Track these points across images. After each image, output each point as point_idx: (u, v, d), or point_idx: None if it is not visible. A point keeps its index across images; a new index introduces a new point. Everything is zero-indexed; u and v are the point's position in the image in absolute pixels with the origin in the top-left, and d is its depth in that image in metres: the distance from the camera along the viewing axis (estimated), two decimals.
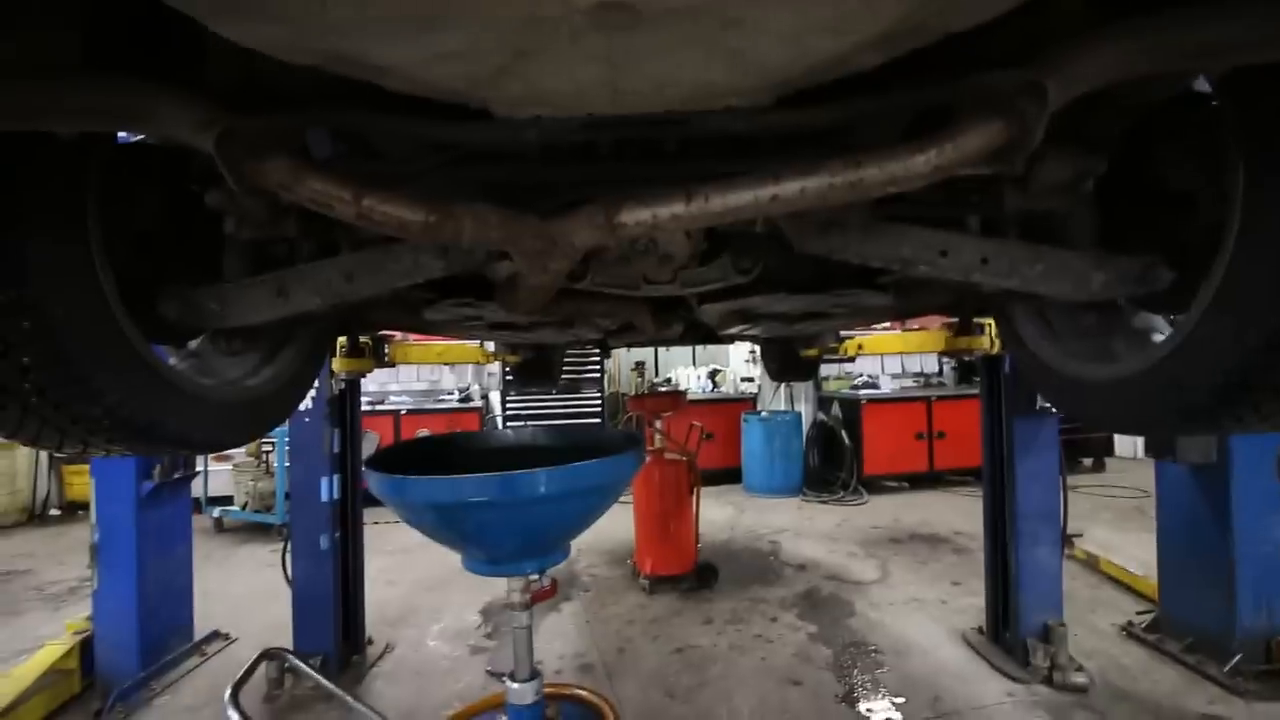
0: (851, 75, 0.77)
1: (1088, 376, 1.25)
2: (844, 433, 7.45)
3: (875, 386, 7.98)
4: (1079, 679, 3.24)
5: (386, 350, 3.59)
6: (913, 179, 0.77)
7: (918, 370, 8.59)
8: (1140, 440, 8.83)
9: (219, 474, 6.66)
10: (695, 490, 4.72)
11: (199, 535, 4.55)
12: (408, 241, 1.08)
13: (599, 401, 7.68)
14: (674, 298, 2.42)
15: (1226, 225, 0.90)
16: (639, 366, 8.83)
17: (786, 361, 4.48)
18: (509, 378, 7.21)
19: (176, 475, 3.60)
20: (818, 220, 0.99)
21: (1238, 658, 3.19)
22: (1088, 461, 8.48)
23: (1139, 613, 3.97)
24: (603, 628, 4.10)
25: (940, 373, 8.61)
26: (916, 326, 4.59)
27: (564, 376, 6.91)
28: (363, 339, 3.02)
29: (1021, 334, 1.49)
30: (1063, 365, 1.36)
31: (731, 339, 4.23)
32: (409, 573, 5.12)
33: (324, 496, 3.53)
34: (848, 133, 0.92)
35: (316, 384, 3.60)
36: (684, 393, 6.01)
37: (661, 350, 9.02)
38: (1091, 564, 5.02)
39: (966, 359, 8.53)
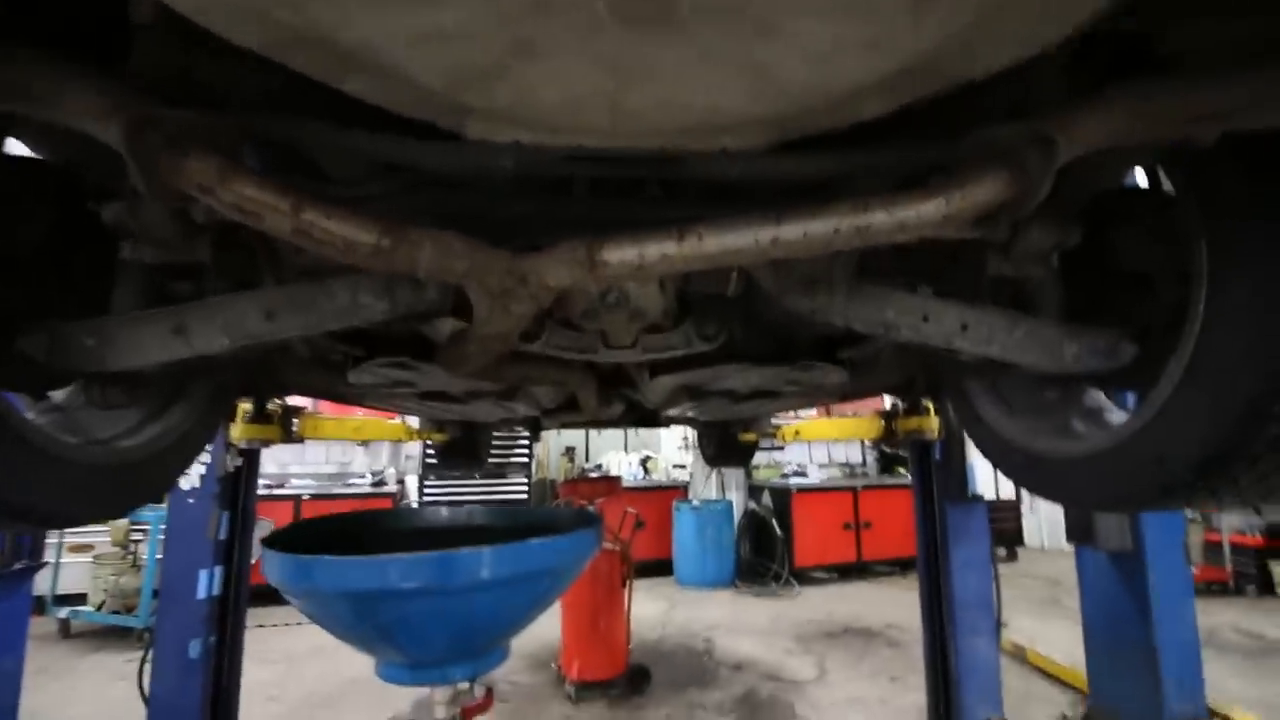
0: (850, 128, 0.75)
1: (1059, 453, 1.23)
2: (775, 522, 7.39)
3: (804, 475, 8.05)
4: None
5: (295, 423, 3.25)
6: (923, 226, 0.73)
7: (843, 460, 8.77)
8: (1048, 530, 9.27)
9: (74, 566, 5.72)
10: (628, 582, 4.45)
11: (37, 642, 3.79)
12: (346, 275, 0.94)
13: (526, 487, 7.30)
14: (621, 372, 2.34)
15: (1192, 301, 0.92)
16: (569, 451, 8.56)
17: (724, 446, 4.42)
18: (429, 460, 6.76)
19: (18, 565, 3.01)
20: (803, 276, 0.95)
21: None
22: (1001, 551, 8.75)
23: (1072, 705, 3.95)
24: None
25: (864, 463, 8.83)
26: (850, 412, 4.68)
27: (490, 460, 6.56)
28: (270, 405, 2.68)
29: (980, 412, 1.48)
30: (1030, 442, 1.34)
31: (669, 422, 4.15)
32: (296, 686, 4.45)
33: (201, 592, 3.03)
34: (842, 186, 0.90)
35: (207, 458, 3.19)
36: (618, 478, 5.80)
37: (593, 435, 8.83)
38: (1019, 655, 5.02)
39: (887, 450, 8.82)
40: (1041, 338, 1.06)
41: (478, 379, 1.71)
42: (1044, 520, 9.34)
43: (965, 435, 3.39)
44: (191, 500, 3.15)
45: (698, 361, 1.61)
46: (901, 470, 8.44)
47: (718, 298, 1.30)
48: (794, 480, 7.74)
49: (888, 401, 3.81)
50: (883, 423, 3.69)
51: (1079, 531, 3.59)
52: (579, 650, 4.31)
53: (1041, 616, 5.97)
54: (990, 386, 1.49)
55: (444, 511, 1.69)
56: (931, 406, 3.05)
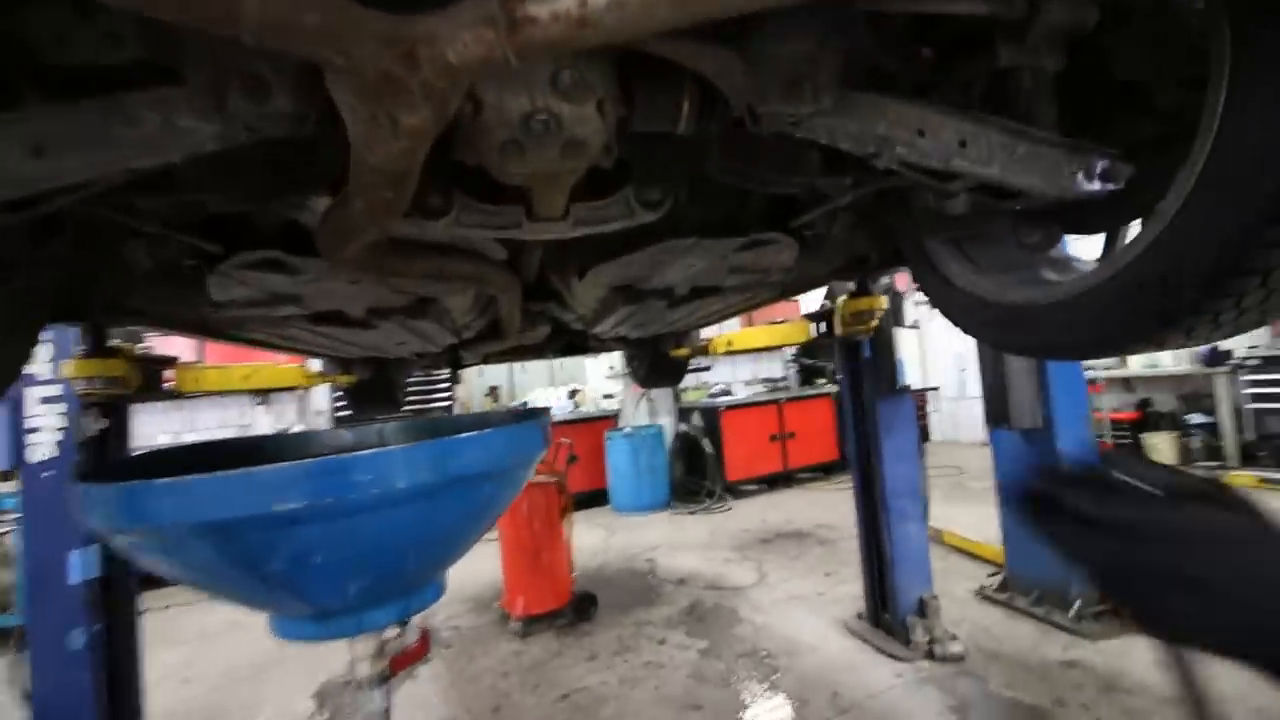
0: None
1: (1043, 299, 1.13)
2: (706, 441, 7.48)
3: (730, 393, 8.16)
4: (956, 648, 3.34)
5: (169, 377, 2.79)
6: None
7: (766, 375, 8.96)
8: (950, 424, 9.98)
9: None
10: (567, 514, 4.33)
11: None
12: (150, 89, 0.65)
13: (429, 417, 6.97)
14: (544, 282, 2.09)
15: (1208, 103, 0.79)
16: (493, 391, 8.22)
17: (656, 365, 4.29)
18: (341, 411, 6.27)
19: None
20: (784, 74, 0.75)
21: (1078, 604, 3.49)
22: None
23: (989, 575, 4.27)
24: (472, 687, 3.53)
25: (785, 377, 9.06)
26: (780, 320, 4.66)
27: (409, 406, 6.16)
28: (120, 345, 2.20)
29: (948, 274, 1.37)
30: (1002, 295, 1.24)
31: (598, 348, 3.95)
32: (211, 664, 4.10)
33: (75, 576, 2.63)
34: None
35: (61, 421, 2.71)
36: (548, 410, 5.60)
37: (517, 371, 8.51)
38: (936, 537, 5.38)
39: (807, 363, 9.05)
40: (1042, 157, 0.91)
41: (375, 277, 1.42)
42: (945, 415, 10.04)
43: (895, 327, 3.41)
44: (47, 474, 2.69)
45: (639, 238, 1.39)
46: (821, 381, 8.73)
47: (663, 144, 1.07)
48: (721, 399, 7.83)
49: (814, 303, 3.77)
50: (812, 326, 3.66)
51: (996, 415, 3.76)
52: (522, 586, 4.20)
53: (950, 501, 6.43)
54: (955, 246, 1.38)
55: (347, 434, 1.41)
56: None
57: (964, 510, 5.88)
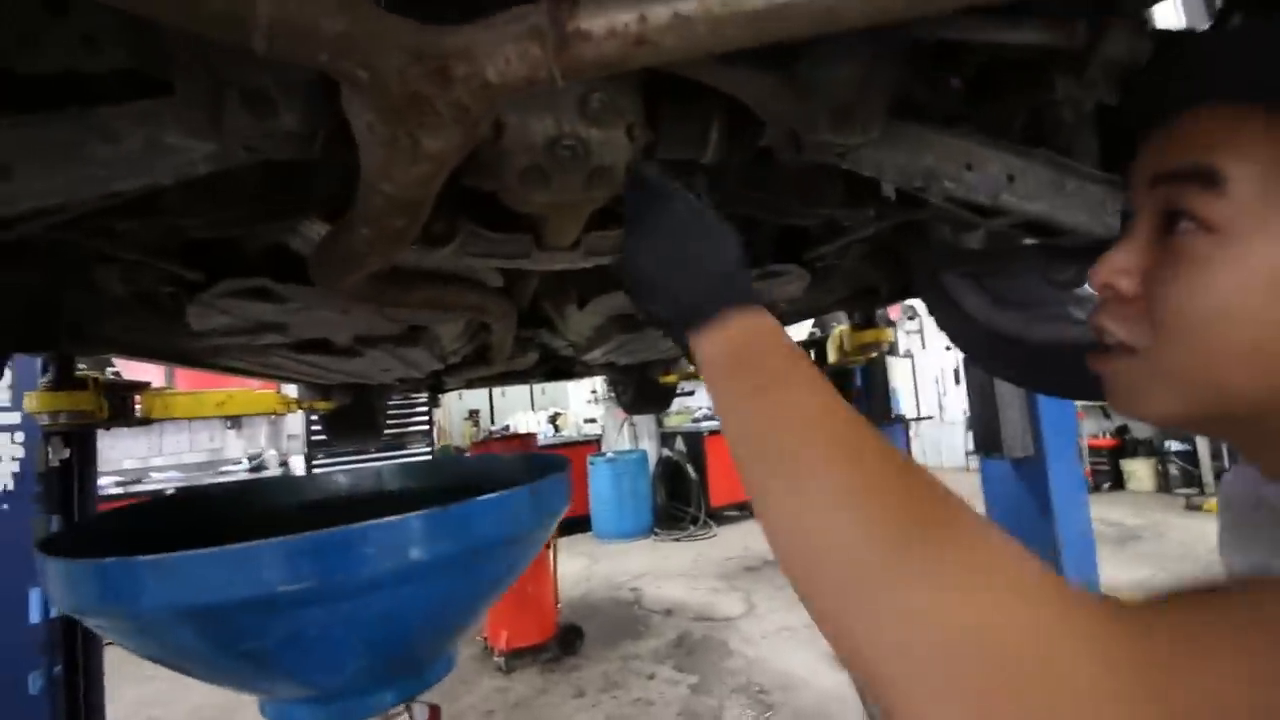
0: None
1: (1074, 337, 1.09)
2: (690, 466, 7.40)
3: (714, 418, 8.10)
4: None
5: (138, 402, 2.64)
6: None
7: None
8: (931, 450, 10.03)
9: None
10: (552, 544, 4.21)
11: None
12: (134, 102, 0.57)
13: (429, 457, 6.79)
14: (537, 308, 2.02)
15: None
16: (473, 415, 8.06)
17: (642, 390, 4.21)
18: (316, 435, 6.06)
19: None
20: (834, 102, 0.70)
21: None
22: None
23: None
24: None
25: None
26: None
27: (387, 430, 5.98)
28: (87, 373, 2.07)
29: (966, 307, 1.33)
30: (1027, 331, 1.20)
31: (583, 373, 3.87)
32: (182, 700, 3.87)
33: (35, 615, 2.46)
34: None
35: (19, 451, 2.55)
36: (532, 436, 5.48)
37: (497, 395, 8.36)
38: None
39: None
40: (1088, 193, 0.88)
41: (371, 307, 1.34)
42: (926, 440, 10.08)
43: (892, 355, 3.39)
44: (5, 506, 2.52)
45: None
46: None
47: (681, 172, 1.02)
48: (705, 424, 7.77)
49: (805, 330, 3.75)
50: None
51: (987, 443, 3.75)
52: (506, 619, 4.05)
53: None
54: (974, 280, 1.34)
55: (342, 479, 1.30)
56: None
57: None
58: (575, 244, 1.12)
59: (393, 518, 0.67)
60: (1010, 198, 0.83)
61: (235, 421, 6.71)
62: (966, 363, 3.88)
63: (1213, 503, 6.05)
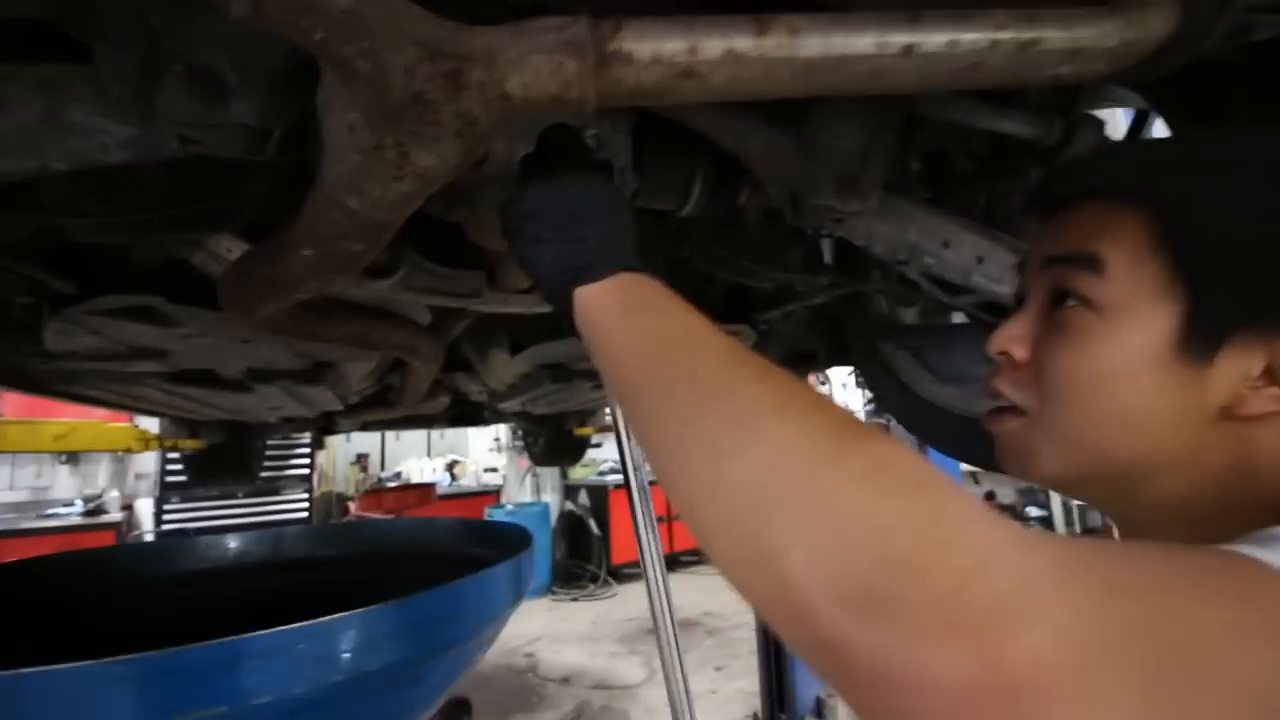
0: None
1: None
2: (592, 521, 7.20)
3: (620, 470, 7.98)
4: None
5: None
6: (1093, 57, 0.50)
7: None
8: None
9: None
10: None
11: None
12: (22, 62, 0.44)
13: (306, 505, 6.15)
14: (456, 351, 1.89)
15: None
16: (361, 460, 7.45)
17: (555, 442, 4.06)
18: (172, 476, 5.32)
19: None
20: (841, 169, 0.68)
21: None
22: None
23: None
24: None
25: None
26: None
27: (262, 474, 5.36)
28: None
29: (906, 379, 1.37)
30: (969, 406, 1.24)
31: (492, 419, 3.69)
32: None
33: None
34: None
35: None
36: (431, 486, 5.11)
37: (390, 438, 7.80)
38: None
39: None
40: None
41: (281, 339, 1.17)
42: None
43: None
44: None
45: None
46: None
47: (653, 222, 0.98)
48: (611, 477, 7.63)
49: None
50: None
51: None
52: None
53: None
54: (914, 354, 1.39)
55: (232, 543, 1.09)
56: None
57: None
58: (531, 288, 1.04)
59: (329, 619, 0.53)
60: (980, 278, 0.85)
61: (70, 456, 5.79)
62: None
63: None
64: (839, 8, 0.48)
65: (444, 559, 0.86)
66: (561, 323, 0.53)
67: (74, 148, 0.45)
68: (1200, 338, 0.42)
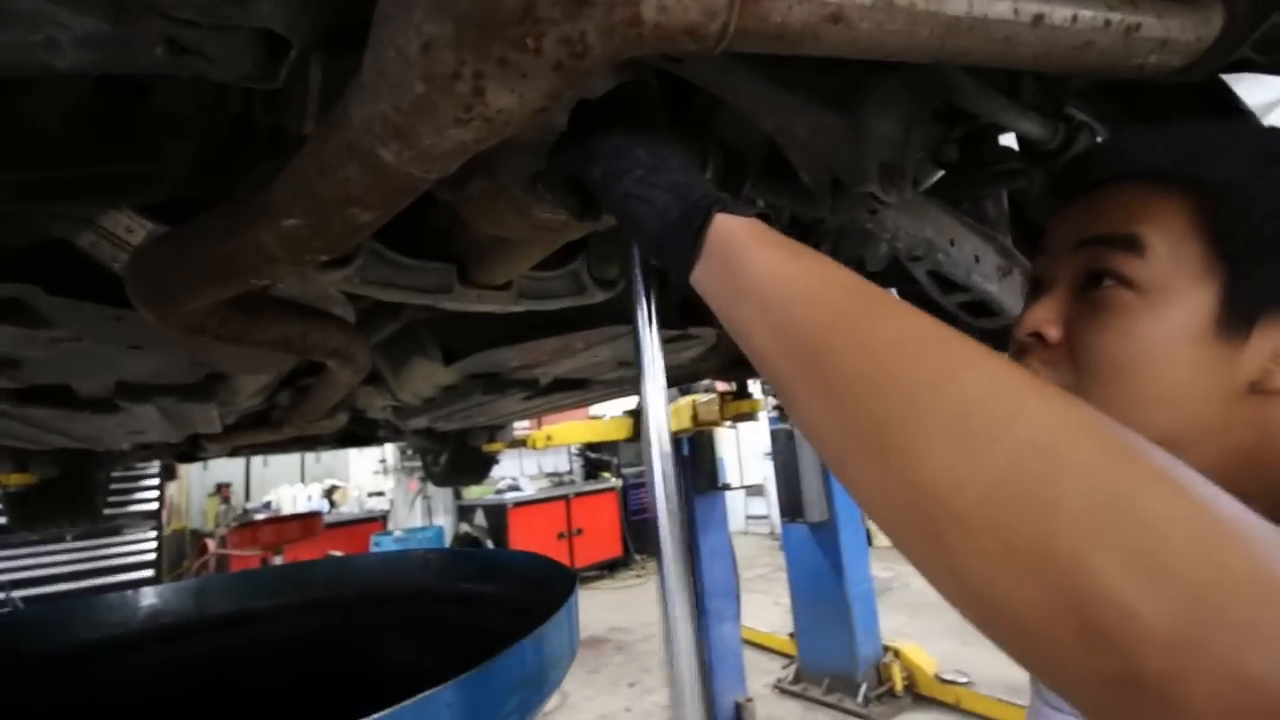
0: None
1: None
2: (490, 542, 6.88)
3: (519, 488, 7.72)
4: None
5: None
6: (1173, 50, 0.51)
7: (552, 469, 8.73)
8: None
9: None
10: None
11: None
12: None
13: (154, 545, 5.32)
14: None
15: None
16: (222, 490, 6.61)
17: (459, 460, 3.80)
18: None
19: None
20: (882, 155, 0.65)
21: (864, 687, 3.76)
22: None
23: (782, 668, 4.44)
24: None
25: (571, 470, 8.93)
26: (601, 414, 4.54)
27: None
28: None
29: None
30: None
31: (387, 438, 3.40)
32: None
33: None
34: None
35: None
36: (318, 515, 4.60)
37: (256, 464, 6.99)
38: None
39: (591, 456, 9.07)
40: (1018, 284, 0.96)
41: (181, 344, 0.97)
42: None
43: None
44: None
45: (576, 321, 1.17)
46: (606, 475, 8.77)
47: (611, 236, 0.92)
48: (509, 495, 7.35)
49: (633, 400, 3.76)
50: (631, 421, 3.63)
51: (791, 510, 4.06)
52: None
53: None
54: None
55: (153, 598, 0.85)
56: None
57: (750, 603, 6.17)
58: (507, 284, 0.93)
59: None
60: (977, 277, 0.87)
61: None
62: (773, 437, 4.21)
63: None
64: None
65: (428, 598, 0.73)
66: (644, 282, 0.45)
67: (3, 43, 0.31)
68: (1236, 317, 0.43)
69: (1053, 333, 0.49)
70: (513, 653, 0.51)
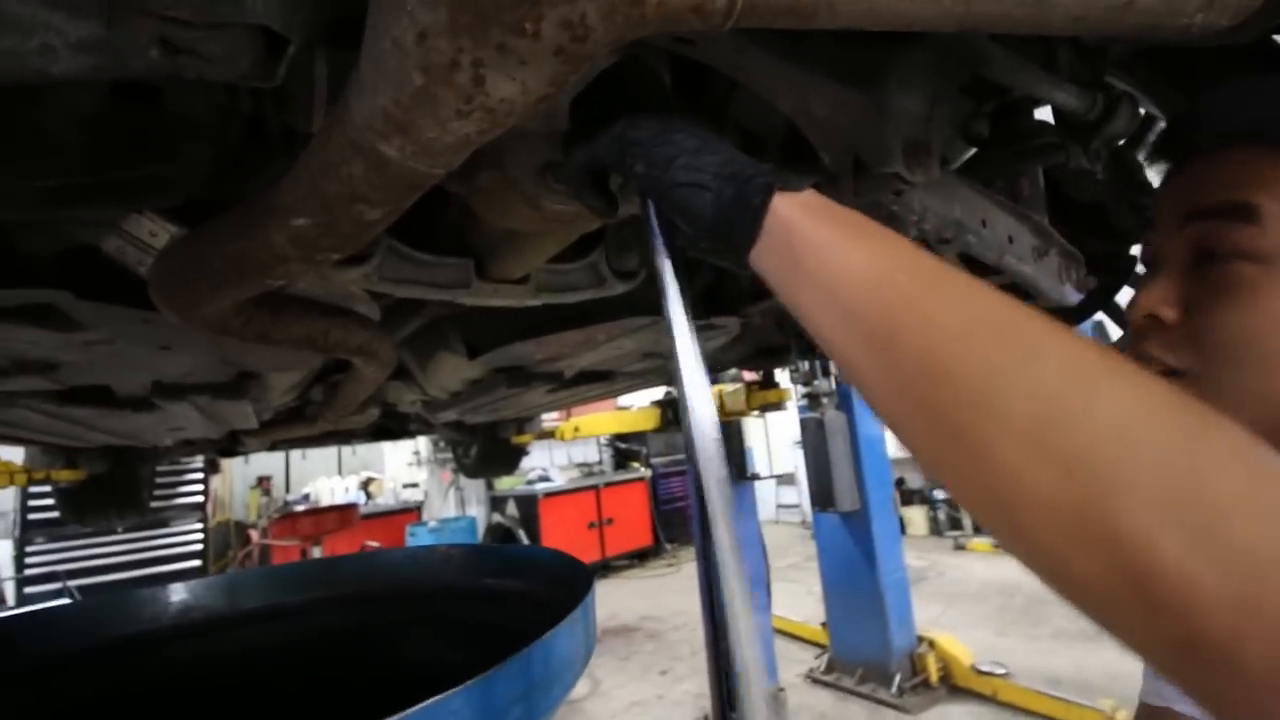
0: None
1: None
2: (522, 532, 6.97)
3: (549, 479, 7.80)
4: None
5: None
6: (1224, 8, 0.47)
7: (581, 460, 8.78)
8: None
9: None
10: None
11: None
12: None
13: (201, 537, 5.53)
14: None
15: None
16: (263, 482, 6.81)
17: (489, 452, 3.85)
18: (37, 513, 4.61)
19: None
20: (907, 133, 0.62)
21: (898, 677, 3.71)
22: None
23: (815, 658, 4.41)
24: None
25: (600, 460, 8.97)
26: (628, 405, 4.55)
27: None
28: None
29: None
30: None
31: (418, 431, 3.45)
32: None
33: None
34: None
35: None
36: (354, 507, 4.72)
37: (295, 457, 7.19)
38: None
39: (621, 446, 9.10)
40: (1054, 264, 0.92)
41: (212, 344, 0.99)
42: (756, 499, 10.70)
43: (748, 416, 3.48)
44: None
45: (598, 313, 1.16)
46: (636, 465, 8.79)
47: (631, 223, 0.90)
48: (540, 486, 7.43)
49: (660, 391, 3.75)
50: (659, 411, 3.62)
51: (821, 499, 4.00)
52: None
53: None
54: None
55: (184, 593, 0.88)
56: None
57: (780, 592, 6.14)
58: (525, 278, 0.92)
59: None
60: (1010, 259, 0.83)
61: None
62: (802, 425, 4.16)
63: (976, 542, 7.14)
64: None
65: (452, 594, 0.73)
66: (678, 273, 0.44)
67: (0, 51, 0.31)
68: None
69: (1170, 314, 0.47)
70: (518, 660, 0.51)
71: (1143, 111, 0.87)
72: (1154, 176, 0.95)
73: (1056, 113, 0.75)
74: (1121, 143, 0.88)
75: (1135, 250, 1.04)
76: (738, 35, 0.56)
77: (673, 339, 0.52)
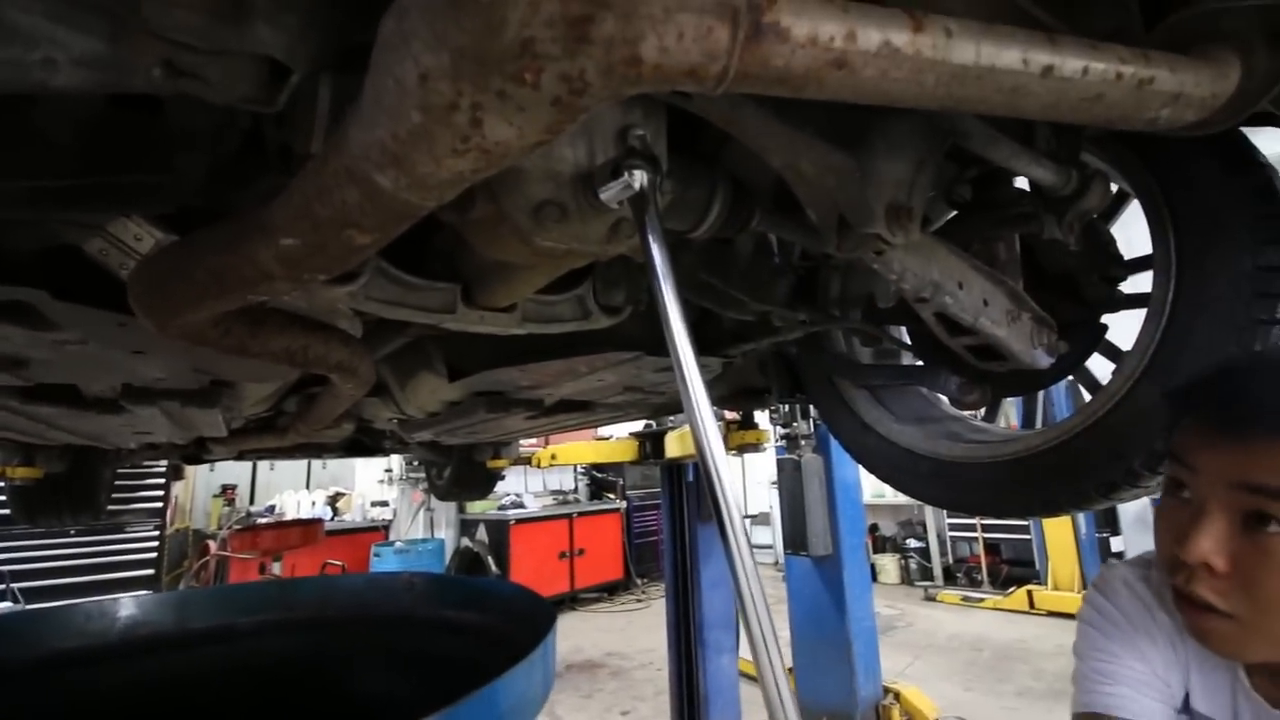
0: None
1: (978, 457, 1.15)
2: (490, 559, 6.83)
3: (522, 505, 7.68)
4: None
5: None
6: (1187, 104, 0.50)
7: (556, 487, 8.68)
8: None
9: None
10: None
11: None
12: None
13: (155, 544, 5.33)
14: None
15: (1155, 299, 0.89)
16: (227, 491, 6.63)
17: (463, 475, 3.79)
18: None
19: None
20: (889, 196, 0.65)
21: None
22: None
23: None
24: None
25: (575, 489, 8.87)
26: (607, 435, 4.52)
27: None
28: None
29: (865, 418, 1.37)
30: (934, 448, 1.25)
31: (393, 449, 3.40)
32: None
33: None
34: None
35: None
36: (318, 522, 4.60)
37: (263, 468, 7.03)
38: None
39: (597, 475, 9.02)
40: (1026, 327, 0.94)
41: (184, 351, 0.98)
42: None
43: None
44: None
45: (582, 345, 1.16)
46: (610, 495, 8.70)
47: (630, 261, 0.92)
48: (512, 512, 7.31)
49: (640, 423, 3.75)
50: (638, 444, 3.61)
51: (794, 542, 3.99)
52: None
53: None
54: (871, 392, 1.40)
55: (132, 608, 0.84)
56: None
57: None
58: (511, 307, 0.93)
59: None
60: (985, 320, 0.85)
61: None
62: (779, 466, 4.17)
63: (946, 593, 7.13)
64: None
65: (411, 623, 0.72)
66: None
67: (2, 61, 0.31)
68: None
69: (1221, 565, 0.56)
70: (475, 700, 0.49)
71: (1114, 188, 0.91)
72: (1124, 249, 0.99)
73: (1033, 185, 0.78)
74: (1094, 216, 0.92)
75: (1105, 319, 1.07)
76: (732, 94, 0.58)
77: (677, 364, 0.52)
